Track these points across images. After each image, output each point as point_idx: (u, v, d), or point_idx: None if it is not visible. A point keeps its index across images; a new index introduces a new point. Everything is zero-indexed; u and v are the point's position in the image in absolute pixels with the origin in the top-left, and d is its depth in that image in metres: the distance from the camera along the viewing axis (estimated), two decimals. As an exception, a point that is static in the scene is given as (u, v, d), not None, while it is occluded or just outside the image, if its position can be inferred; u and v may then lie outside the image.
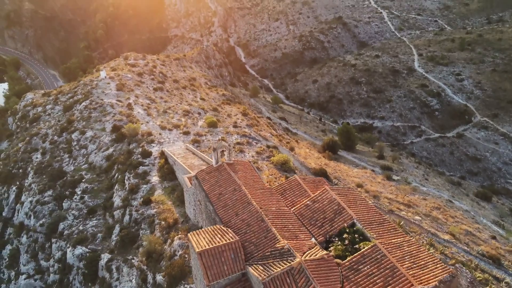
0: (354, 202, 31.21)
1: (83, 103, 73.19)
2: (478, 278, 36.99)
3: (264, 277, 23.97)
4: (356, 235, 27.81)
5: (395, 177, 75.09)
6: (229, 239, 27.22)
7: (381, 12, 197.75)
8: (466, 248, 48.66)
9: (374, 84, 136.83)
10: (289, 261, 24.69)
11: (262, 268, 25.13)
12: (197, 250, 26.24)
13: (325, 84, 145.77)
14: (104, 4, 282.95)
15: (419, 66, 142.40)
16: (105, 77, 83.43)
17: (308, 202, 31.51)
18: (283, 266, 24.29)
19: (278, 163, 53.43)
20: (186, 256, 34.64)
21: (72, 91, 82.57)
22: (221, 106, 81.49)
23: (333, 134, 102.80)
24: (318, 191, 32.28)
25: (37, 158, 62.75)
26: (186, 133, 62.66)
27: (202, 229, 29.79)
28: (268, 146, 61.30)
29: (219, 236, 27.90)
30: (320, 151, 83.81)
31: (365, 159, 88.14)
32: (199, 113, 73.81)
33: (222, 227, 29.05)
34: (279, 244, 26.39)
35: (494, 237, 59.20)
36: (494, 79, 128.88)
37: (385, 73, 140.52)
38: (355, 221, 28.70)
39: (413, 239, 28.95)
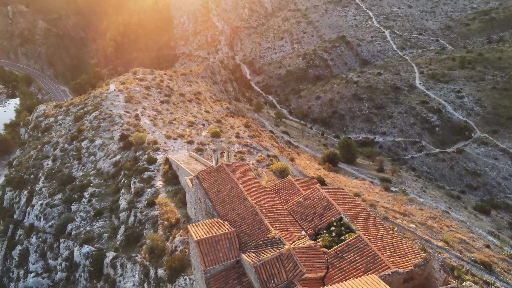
0: (343, 200, 33.58)
1: (93, 114, 76.75)
2: (467, 280, 38.44)
3: (256, 261, 26.28)
4: (342, 228, 30.11)
5: (393, 189, 76.75)
6: (225, 230, 29.62)
7: (383, 32, 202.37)
8: (458, 254, 49.94)
9: (376, 100, 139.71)
10: (279, 248, 26.98)
11: (254, 255, 27.45)
12: (195, 238, 28.66)
13: (328, 100, 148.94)
14: (114, 23, 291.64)
15: (420, 83, 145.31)
16: (114, 90, 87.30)
17: (300, 199, 33.92)
18: (273, 253, 26.61)
19: (277, 170, 55.77)
20: (186, 250, 36.87)
21: (82, 102, 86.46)
22: (224, 118, 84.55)
23: (334, 148, 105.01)
24: (310, 190, 34.74)
25: (48, 164, 65.83)
26: (190, 142, 65.44)
27: (201, 221, 32.26)
28: (268, 156, 63.73)
29: (216, 227, 30.31)
30: (320, 163, 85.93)
31: (365, 172, 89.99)
32: (203, 124, 76.81)
33: (219, 220, 31.47)
34: (270, 234, 28.75)
35: (488, 246, 60.27)
36: (494, 97, 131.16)
37: (387, 90, 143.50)
38: (342, 216, 30.97)
39: (396, 233, 31.12)
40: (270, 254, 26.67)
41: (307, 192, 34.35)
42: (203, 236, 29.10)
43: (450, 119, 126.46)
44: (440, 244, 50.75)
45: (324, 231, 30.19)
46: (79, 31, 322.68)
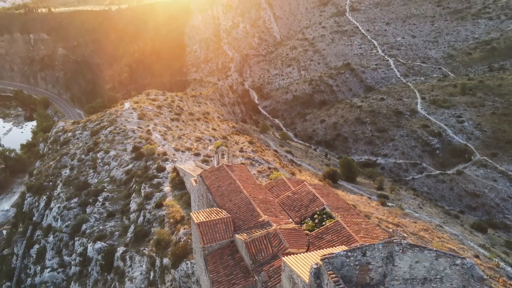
0: (327, 194, 38.07)
1: (108, 129, 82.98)
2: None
3: (246, 238, 30.73)
4: (324, 216, 34.46)
5: (389, 204, 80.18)
6: (222, 216, 34.24)
7: (387, 60, 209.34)
8: (446, 260, 52.61)
9: (378, 124, 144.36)
10: (267, 229, 31.43)
11: (246, 234, 31.91)
12: (196, 221, 33.32)
13: (332, 124, 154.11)
14: (130, 50, 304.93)
15: (421, 108, 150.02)
16: (129, 108, 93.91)
17: (289, 194, 38.50)
18: (261, 232, 31.07)
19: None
20: (189, 240, 41.16)
21: (99, 119, 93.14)
22: (230, 135, 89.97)
23: (336, 167, 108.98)
24: (299, 186, 39.33)
25: (66, 173, 71.43)
26: (197, 154, 70.64)
27: (202, 210, 36.88)
28: (269, 168, 68.39)
29: (214, 214, 34.95)
30: (321, 179, 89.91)
31: (364, 189, 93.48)
32: (210, 140, 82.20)
33: (218, 209, 36.10)
34: (261, 218, 33.25)
35: (477, 256, 62.92)
36: (493, 121, 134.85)
37: (389, 114, 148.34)
38: (325, 206, 35.37)
39: (371, 222, 35.29)
40: (259, 233, 31.12)
41: (296, 187, 38.95)
42: (203, 220, 33.70)
43: (450, 142, 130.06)
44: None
45: (309, 219, 34.52)
46: (95, 57, 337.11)
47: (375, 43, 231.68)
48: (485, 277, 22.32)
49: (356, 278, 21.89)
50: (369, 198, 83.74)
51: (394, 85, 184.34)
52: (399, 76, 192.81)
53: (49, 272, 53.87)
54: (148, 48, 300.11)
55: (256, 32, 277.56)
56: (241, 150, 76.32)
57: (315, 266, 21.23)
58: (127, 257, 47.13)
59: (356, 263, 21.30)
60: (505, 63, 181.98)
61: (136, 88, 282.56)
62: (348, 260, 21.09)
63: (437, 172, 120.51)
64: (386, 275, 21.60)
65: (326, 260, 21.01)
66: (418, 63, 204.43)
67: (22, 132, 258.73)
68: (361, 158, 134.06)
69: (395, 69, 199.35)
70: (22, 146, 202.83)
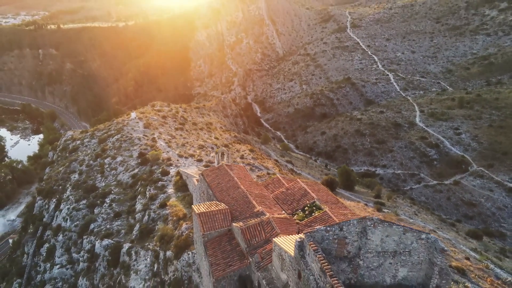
0: (318, 190, 41.39)
1: (115, 137, 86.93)
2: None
3: (242, 225, 34.01)
4: (314, 208, 37.70)
5: (385, 210, 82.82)
6: (220, 207, 37.57)
7: (387, 75, 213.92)
8: (435, 260, 55.15)
9: (377, 135, 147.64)
10: (261, 218, 34.72)
11: (242, 223, 35.19)
12: (197, 212, 36.73)
13: (332, 136, 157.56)
14: (136, 64, 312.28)
15: (420, 120, 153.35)
16: (135, 117, 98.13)
17: (283, 190, 41.88)
18: (256, 220, 34.36)
19: (274, 182, 63.33)
20: (191, 234, 44.29)
21: (106, 128, 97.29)
22: (232, 144, 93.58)
23: (335, 177, 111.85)
24: (292, 183, 42.69)
25: (74, 177, 75.09)
26: (199, 160, 74.17)
27: (202, 203, 40.21)
28: (268, 173, 71.62)
29: (214, 206, 38.32)
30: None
31: (362, 197, 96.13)
32: (212, 148, 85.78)
33: (217, 202, 39.45)
34: (256, 209, 36.56)
35: (467, 258, 65.23)
36: (490, 133, 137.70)
37: (388, 126, 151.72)
38: (315, 200, 38.63)
39: (358, 214, 38.41)
40: (253, 221, 34.43)
41: (290, 184, 42.33)
42: (203, 211, 37.09)
43: (448, 153, 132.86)
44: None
45: (300, 211, 37.78)
46: (102, 72, 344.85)
47: (376, 58, 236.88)
48: (446, 248, 25.47)
49: (335, 251, 25.09)
50: (366, 204, 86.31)
51: (393, 98, 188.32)
52: (398, 90, 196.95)
53: (58, 268, 56.87)
54: (153, 63, 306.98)
55: (259, 47, 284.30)
56: (241, 157, 79.74)
57: (299, 240, 24.55)
58: (133, 252, 50.22)
59: (335, 237, 24.55)
60: (502, 78, 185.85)
61: (142, 101, 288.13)
62: (327, 234, 24.36)
63: (435, 182, 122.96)
64: (361, 248, 24.78)
65: (308, 234, 24.31)
66: (418, 78, 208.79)
67: (29, 145, 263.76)
68: (361, 169, 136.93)
69: (394, 83, 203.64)
70: (29, 158, 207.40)
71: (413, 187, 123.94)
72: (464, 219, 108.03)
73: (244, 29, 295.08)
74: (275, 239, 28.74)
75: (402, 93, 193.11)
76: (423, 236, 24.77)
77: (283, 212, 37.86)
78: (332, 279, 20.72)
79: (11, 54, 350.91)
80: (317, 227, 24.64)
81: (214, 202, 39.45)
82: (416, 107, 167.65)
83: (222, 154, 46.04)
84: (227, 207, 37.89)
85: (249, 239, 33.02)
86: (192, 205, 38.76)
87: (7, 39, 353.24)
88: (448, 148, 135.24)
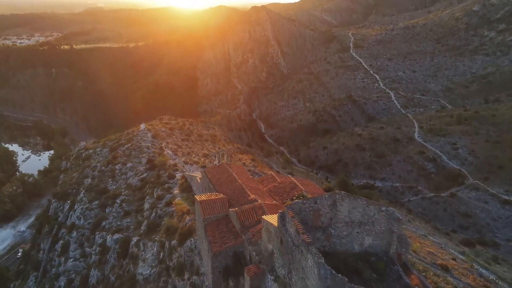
0: (306, 184, 46.61)
1: (126, 146, 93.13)
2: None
3: (237, 209, 39.22)
4: (302, 198, 42.71)
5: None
6: (219, 197, 42.88)
7: (389, 93, 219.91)
8: (422, 258, 59.45)
9: (377, 150, 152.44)
10: (254, 203, 39.93)
11: (237, 208, 40.35)
12: (198, 200, 42.05)
13: (334, 150, 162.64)
14: (145, 83, 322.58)
15: (418, 136, 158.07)
16: (144, 129, 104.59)
17: (275, 184, 47.14)
18: (249, 205, 39.57)
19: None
20: (193, 224, 49.31)
21: (117, 138, 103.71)
22: (235, 154, 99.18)
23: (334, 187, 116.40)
24: (283, 178, 48.00)
25: (87, 181, 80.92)
26: (203, 167, 79.48)
27: (203, 194, 45.52)
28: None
29: (213, 195, 43.64)
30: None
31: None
32: (215, 156, 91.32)
33: (216, 193, 44.76)
34: (250, 197, 41.80)
35: (454, 259, 69.07)
36: (486, 148, 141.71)
37: (387, 141, 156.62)
38: (303, 192, 43.83)
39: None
40: (247, 206, 39.64)
41: (281, 179, 47.63)
42: (204, 199, 42.41)
43: (445, 167, 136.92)
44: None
45: (289, 200, 42.86)
46: (112, 89, 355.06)
47: (377, 77, 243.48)
48: (401, 217, 30.33)
49: (311, 222, 30.14)
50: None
51: (394, 115, 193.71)
52: (399, 107, 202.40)
53: (72, 262, 61.83)
54: (162, 81, 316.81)
55: (265, 66, 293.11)
56: (243, 164, 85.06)
57: (281, 211, 29.73)
58: (141, 244, 55.27)
59: (310, 209, 29.65)
60: (500, 96, 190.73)
61: (150, 118, 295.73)
62: (304, 206, 29.52)
63: (432, 194, 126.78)
64: (332, 219, 29.83)
65: (288, 206, 29.54)
66: (418, 96, 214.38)
67: (40, 160, 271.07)
68: (360, 181, 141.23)
69: (395, 101, 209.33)
70: (40, 172, 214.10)
71: (410, 199, 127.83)
72: (459, 230, 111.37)
73: (250, 49, 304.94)
74: (263, 217, 33.94)
75: (403, 110, 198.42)
76: (383, 208, 29.77)
77: (274, 201, 43.03)
78: (304, 235, 25.83)
79: (25, 73, 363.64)
80: (296, 200, 29.83)
81: (214, 193, 44.81)
82: (416, 123, 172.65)
83: (223, 154, 51.54)
84: (225, 196, 43.19)
85: (243, 220, 38.16)
86: (195, 196, 44.04)
87: (21, 58, 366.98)
88: (446, 162, 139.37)
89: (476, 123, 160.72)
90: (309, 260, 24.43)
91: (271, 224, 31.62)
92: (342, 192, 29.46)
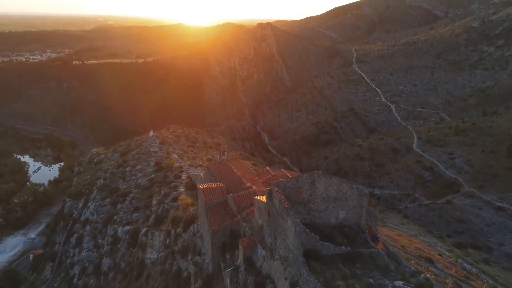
0: (298, 176, 52.14)
1: (135, 151, 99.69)
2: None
3: (234, 195, 45.02)
4: (291, 187, 48.18)
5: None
6: (219, 185, 48.75)
7: (389, 106, 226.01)
8: (409, 252, 64.21)
9: (376, 159, 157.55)
10: (249, 190, 45.71)
11: (234, 194, 46.11)
12: (201, 188, 47.93)
13: (334, 159, 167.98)
14: (153, 97, 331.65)
15: (416, 146, 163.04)
16: (152, 136, 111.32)
17: (269, 176, 52.91)
18: (245, 191, 45.37)
19: (269, 185, 74.15)
20: (197, 213, 54.96)
21: (127, 144, 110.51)
22: (237, 159, 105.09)
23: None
24: (277, 171, 53.84)
25: (100, 182, 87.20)
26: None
27: (206, 183, 51.42)
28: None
29: (214, 184, 49.48)
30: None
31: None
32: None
33: (217, 183, 50.62)
34: (246, 185, 47.62)
35: (440, 255, 73.50)
36: (482, 158, 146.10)
37: (386, 151, 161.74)
38: (293, 182, 49.20)
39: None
40: (243, 192, 45.43)
41: (275, 172, 53.45)
42: (206, 187, 48.29)
43: (441, 175, 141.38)
44: (395, 248, 65.16)
45: (280, 189, 48.36)
46: (121, 103, 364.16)
47: (379, 90, 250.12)
48: (367, 192, 35.82)
49: (294, 198, 35.80)
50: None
51: (394, 127, 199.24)
52: (399, 120, 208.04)
53: (85, 252, 67.43)
54: (169, 96, 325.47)
55: (269, 80, 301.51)
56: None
57: (269, 188, 35.50)
58: (149, 233, 60.93)
59: (293, 186, 35.37)
60: (498, 108, 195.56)
61: (157, 130, 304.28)
62: (288, 184, 35.23)
63: (428, 201, 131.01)
64: (311, 195, 35.48)
65: (275, 183, 35.31)
66: (418, 109, 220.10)
67: (50, 171, 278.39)
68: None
69: (396, 114, 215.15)
70: (50, 182, 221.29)
71: (407, 206, 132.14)
72: (454, 234, 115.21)
73: (255, 64, 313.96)
74: (256, 197, 39.68)
75: (403, 123, 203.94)
76: (354, 186, 35.35)
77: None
78: (285, 203, 31.55)
79: (37, 87, 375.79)
80: (281, 179, 35.59)
81: (215, 183, 50.70)
82: (415, 134, 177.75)
83: (224, 152, 57.55)
84: (224, 185, 49.06)
85: (239, 203, 43.90)
86: (198, 185, 49.92)
87: (34, 73, 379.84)
88: (442, 171, 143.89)
89: (473, 134, 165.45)
90: (288, 222, 30.09)
91: (261, 201, 37.34)
92: (319, 171, 35.19)
